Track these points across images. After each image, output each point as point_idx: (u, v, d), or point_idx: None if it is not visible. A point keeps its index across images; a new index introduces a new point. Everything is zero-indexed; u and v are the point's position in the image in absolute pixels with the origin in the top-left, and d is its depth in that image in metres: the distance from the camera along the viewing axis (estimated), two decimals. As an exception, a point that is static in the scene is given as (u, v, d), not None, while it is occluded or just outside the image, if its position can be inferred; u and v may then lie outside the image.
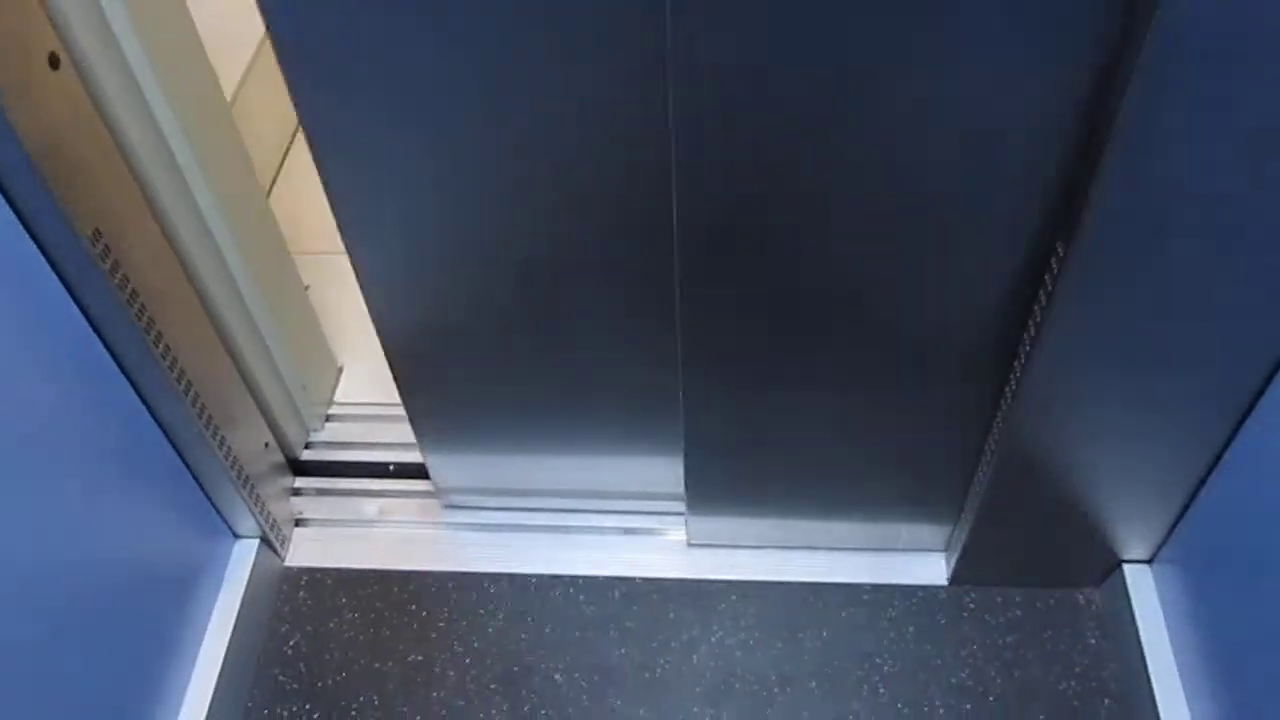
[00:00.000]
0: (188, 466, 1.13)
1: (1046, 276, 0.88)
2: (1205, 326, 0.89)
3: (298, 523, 1.36)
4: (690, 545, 1.31)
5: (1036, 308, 0.91)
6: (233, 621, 1.20)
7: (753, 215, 0.88)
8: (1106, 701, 1.16)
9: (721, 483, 1.21)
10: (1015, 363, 0.99)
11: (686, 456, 1.17)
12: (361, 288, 1.03)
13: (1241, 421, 0.98)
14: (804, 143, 0.81)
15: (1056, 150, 0.80)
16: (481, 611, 1.27)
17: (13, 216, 0.83)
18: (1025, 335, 0.95)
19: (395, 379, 1.15)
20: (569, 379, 1.14)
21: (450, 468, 1.30)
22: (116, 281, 0.92)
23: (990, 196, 0.84)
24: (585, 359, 1.11)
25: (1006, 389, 1.02)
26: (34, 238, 0.86)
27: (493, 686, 1.21)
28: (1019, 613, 1.24)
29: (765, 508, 1.25)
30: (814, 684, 1.19)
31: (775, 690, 1.19)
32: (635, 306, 1.03)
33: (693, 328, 1.00)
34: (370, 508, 1.37)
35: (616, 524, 1.34)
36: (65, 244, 0.87)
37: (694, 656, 1.22)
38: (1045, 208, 0.84)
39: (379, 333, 1.09)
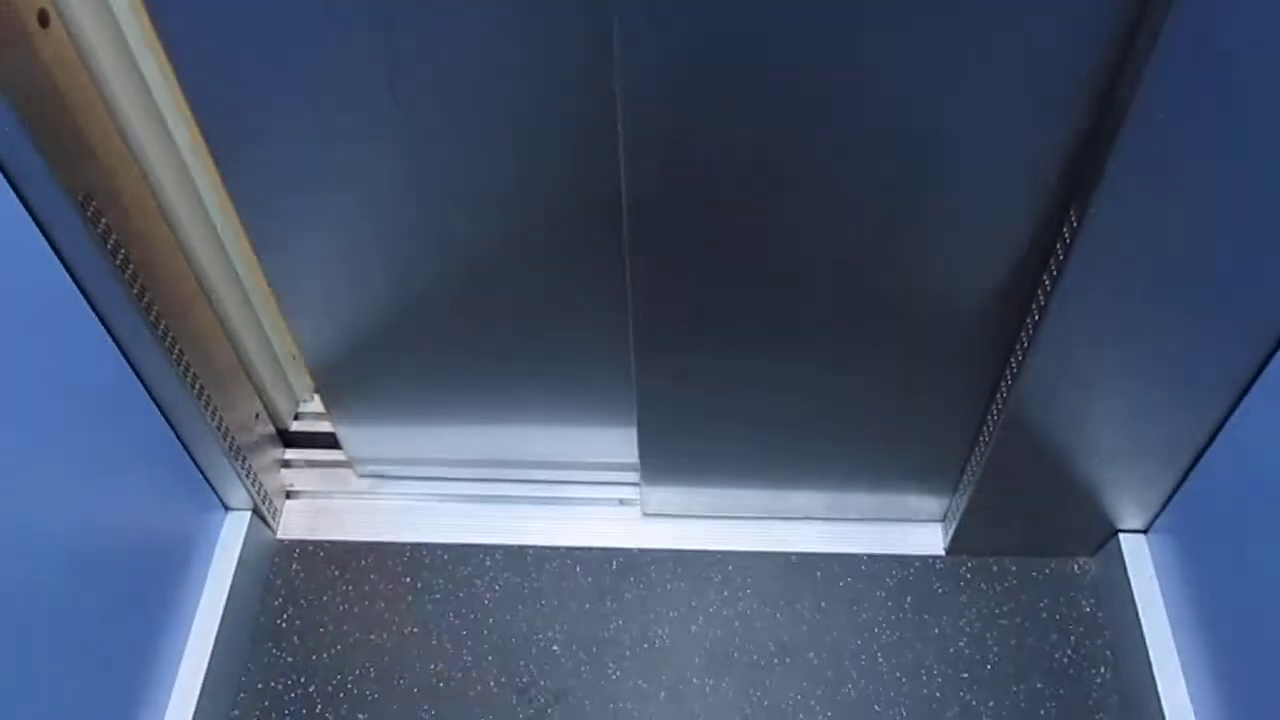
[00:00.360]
0: (179, 436, 1.11)
1: (1058, 245, 0.88)
2: (1208, 303, 0.89)
3: (288, 495, 1.34)
4: (646, 515, 1.30)
5: (1045, 278, 0.91)
6: (226, 595, 1.18)
7: (713, 179, 0.85)
8: (1102, 669, 1.17)
9: (675, 454, 1.20)
10: (1021, 335, 0.98)
11: (640, 427, 1.15)
12: (273, 290, 1.02)
13: (1241, 396, 0.99)
14: (774, 95, 0.78)
15: (1068, 122, 0.79)
16: (478, 583, 1.26)
17: (1, 179, 0.81)
18: (1033, 308, 0.95)
19: (303, 351, 1.13)
20: (510, 344, 1.12)
21: (367, 439, 1.29)
22: (109, 247, 0.89)
23: (999, 166, 0.84)
24: (531, 320, 1.08)
25: (1011, 360, 1.02)
26: (23, 201, 0.83)
27: (490, 658, 1.20)
28: (1015, 582, 1.24)
29: (720, 478, 1.24)
30: (812, 654, 1.19)
31: (774, 660, 1.19)
32: (582, 266, 1.01)
33: (646, 298, 0.98)
34: (362, 479, 1.36)
35: (612, 495, 1.33)
36: (55, 208, 0.84)
37: (692, 627, 1.22)
38: (1057, 177, 0.84)
39: (293, 326, 1.07)
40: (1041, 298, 0.92)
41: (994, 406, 1.08)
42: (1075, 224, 0.84)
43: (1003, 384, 1.05)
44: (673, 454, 1.20)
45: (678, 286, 0.96)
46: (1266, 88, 0.71)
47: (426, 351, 1.12)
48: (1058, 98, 0.77)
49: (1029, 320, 0.96)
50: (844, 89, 0.77)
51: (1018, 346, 1.00)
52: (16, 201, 0.83)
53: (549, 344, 1.11)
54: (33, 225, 0.85)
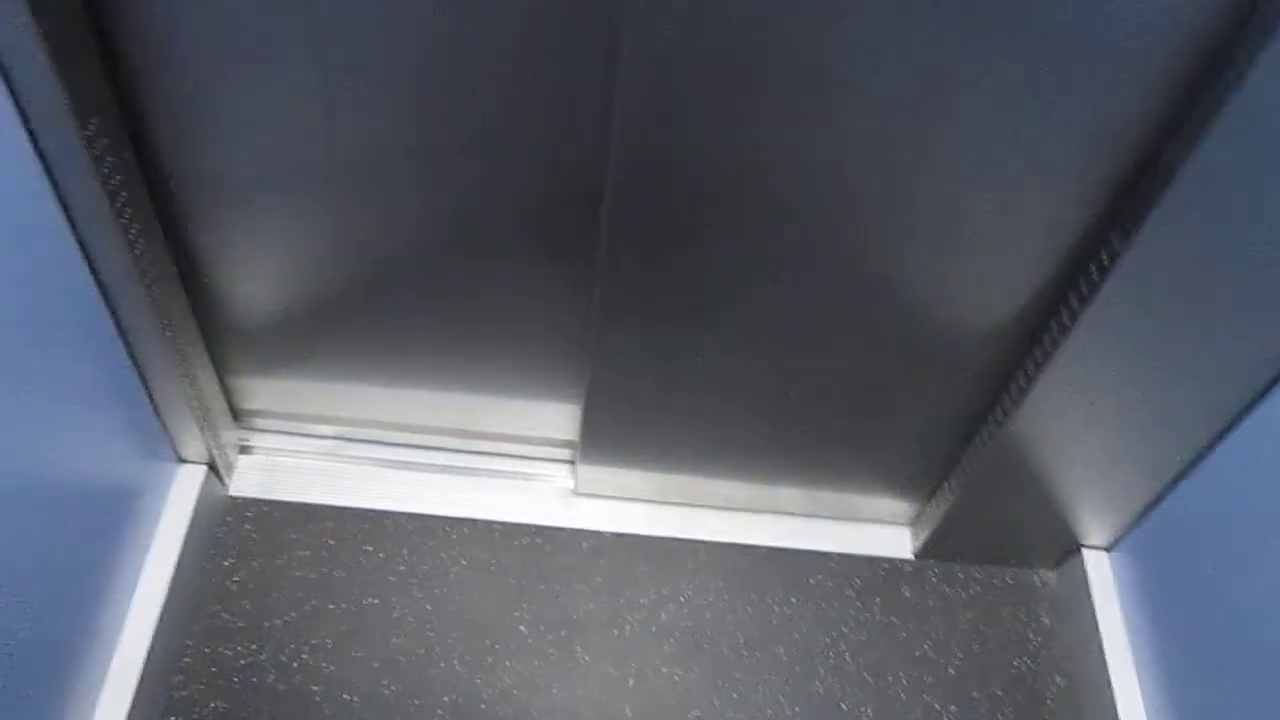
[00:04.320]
0: (142, 375, 1.03)
1: (1092, 267, 0.88)
2: (1214, 342, 0.91)
3: (242, 450, 1.28)
4: (576, 494, 1.28)
5: (1074, 298, 0.91)
6: (177, 553, 1.11)
7: (704, 173, 0.84)
8: (1058, 679, 1.20)
9: (617, 434, 1.18)
10: (1030, 356, 0.99)
11: (587, 400, 1.13)
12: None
13: (1224, 432, 1.02)
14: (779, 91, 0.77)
15: (1119, 151, 0.80)
16: (443, 556, 1.21)
17: (9, 102, 0.73)
18: (1050, 325, 0.95)
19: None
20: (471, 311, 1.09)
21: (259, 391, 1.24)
22: (112, 183, 0.82)
23: (1040, 183, 0.84)
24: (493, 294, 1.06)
25: (1015, 380, 1.02)
26: (25, 123, 0.76)
27: (454, 635, 1.16)
28: (978, 589, 1.26)
29: (692, 466, 1.23)
30: (781, 649, 1.19)
31: (743, 653, 1.18)
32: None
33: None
34: (322, 440, 1.29)
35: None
36: (59, 133, 0.77)
37: (662, 614, 1.20)
38: (1105, 201, 0.84)
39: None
40: (1066, 316, 0.92)
41: (989, 422, 1.08)
42: (1116, 248, 0.84)
43: (1001, 402, 1.05)
44: (625, 435, 1.19)
45: (651, 273, 0.95)
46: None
47: (384, 316, 1.09)
48: (1113, 125, 0.78)
49: (1043, 341, 0.96)
50: (856, 89, 0.76)
51: (1024, 367, 1.00)
52: (19, 123, 0.75)
53: (510, 312, 1.08)
54: (30, 148, 0.77)
